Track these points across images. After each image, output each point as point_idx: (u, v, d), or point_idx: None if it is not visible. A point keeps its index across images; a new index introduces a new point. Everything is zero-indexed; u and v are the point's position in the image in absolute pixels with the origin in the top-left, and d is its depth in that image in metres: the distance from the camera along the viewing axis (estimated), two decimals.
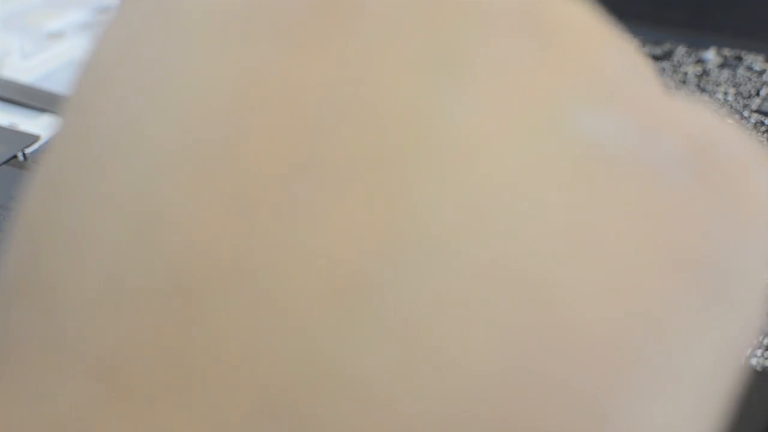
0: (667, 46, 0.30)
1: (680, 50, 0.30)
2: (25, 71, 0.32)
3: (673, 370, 0.10)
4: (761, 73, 0.29)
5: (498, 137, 0.09)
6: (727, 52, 0.30)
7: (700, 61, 0.30)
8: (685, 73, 0.29)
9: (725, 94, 0.28)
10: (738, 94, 0.28)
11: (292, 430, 0.09)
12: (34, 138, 0.27)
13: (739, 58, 0.30)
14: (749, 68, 0.29)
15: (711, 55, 0.30)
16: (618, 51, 0.10)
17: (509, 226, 0.09)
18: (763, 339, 0.19)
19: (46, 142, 0.11)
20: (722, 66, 0.30)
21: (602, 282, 0.09)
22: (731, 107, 0.28)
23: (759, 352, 0.18)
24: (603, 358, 0.09)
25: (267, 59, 0.09)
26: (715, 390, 0.10)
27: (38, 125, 0.29)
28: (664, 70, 0.29)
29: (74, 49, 0.33)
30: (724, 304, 0.10)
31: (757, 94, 0.28)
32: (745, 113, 0.27)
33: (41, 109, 0.29)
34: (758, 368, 0.18)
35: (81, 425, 0.09)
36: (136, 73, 0.10)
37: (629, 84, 0.10)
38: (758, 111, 0.27)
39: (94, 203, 0.09)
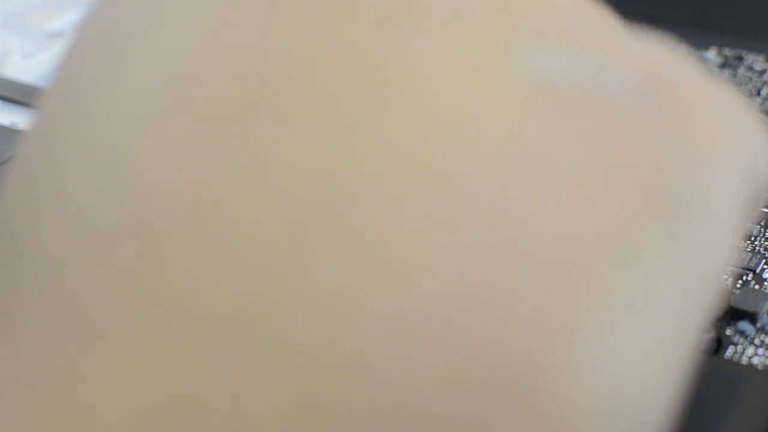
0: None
1: (681, 50, 0.30)
2: (26, 71, 0.32)
3: (632, 293, 0.10)
4: (762, 73, 0.29)
5: (447, 76, 0.10)
6: (727, 52, 0.30)
7: (700, 60, 0.30)
8: None
9: None
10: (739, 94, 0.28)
11: (250, 353, 0.09)
12: None
13: (740, 58, 0.30)
14: (750, 68, 0.29)
15: (712, 55, 0.30)
16: None
17: (457, 156, 0.09)
18: (763, 337, 0.19)
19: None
20: (723, 66, 0.30)
21: (554, 205, 0.09)
22: None
23: (760, 351, 0.18)
24: (555, 280, 0.09)
25: (226, 22, 0.10)
26: (683, 316, 0.10)
27: None
28: None
29: None
30: (686, 227, 0.10)
31: (758, 93, 0.28)
32: None
33: None
34: (759, 367, 0.18)
35: (53, 366, 0.09)
36: (108, 49, 0.11)
37: (582, 24, 0.11)
38: (759, 111, 0.28)
39: (65, 161, 0.10)
